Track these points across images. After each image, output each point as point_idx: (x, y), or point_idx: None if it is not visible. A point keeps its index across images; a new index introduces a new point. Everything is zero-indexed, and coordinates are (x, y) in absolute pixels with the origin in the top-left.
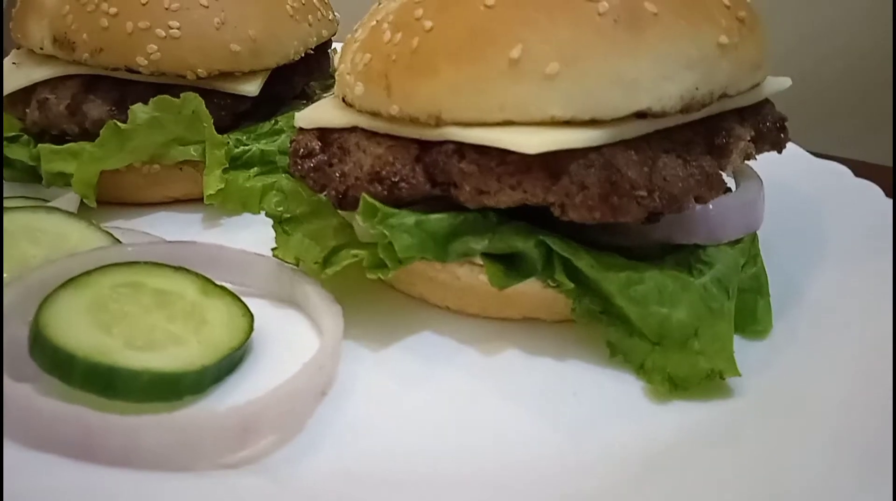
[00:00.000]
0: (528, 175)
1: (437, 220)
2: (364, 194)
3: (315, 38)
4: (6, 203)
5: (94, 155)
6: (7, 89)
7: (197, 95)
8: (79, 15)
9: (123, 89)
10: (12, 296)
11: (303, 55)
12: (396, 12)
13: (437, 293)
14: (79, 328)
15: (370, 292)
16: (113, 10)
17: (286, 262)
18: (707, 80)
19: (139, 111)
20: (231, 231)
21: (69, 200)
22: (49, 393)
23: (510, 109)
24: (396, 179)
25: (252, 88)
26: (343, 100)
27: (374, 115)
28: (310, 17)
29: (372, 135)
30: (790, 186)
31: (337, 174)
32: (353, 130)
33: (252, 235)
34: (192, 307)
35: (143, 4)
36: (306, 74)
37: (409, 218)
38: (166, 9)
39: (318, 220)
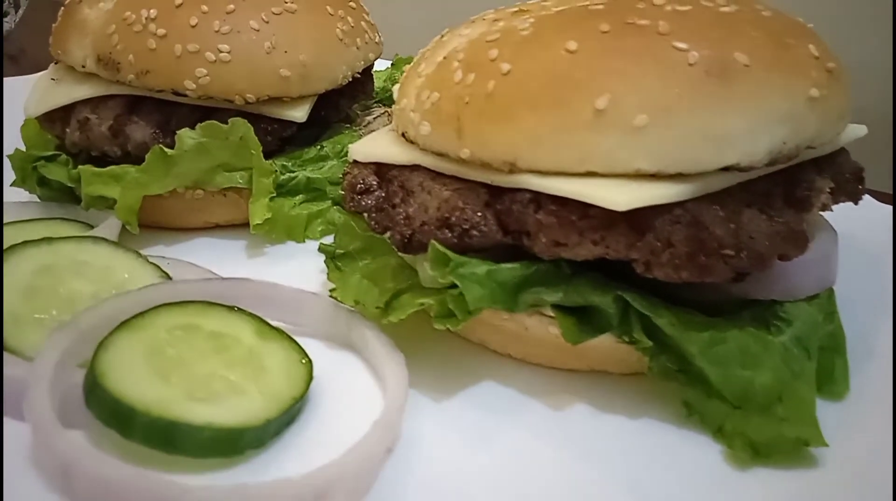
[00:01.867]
0: (612, 230)
1: (509, 270)
2: (434, 242)
3: (362, 62)
4: (43, 225)
5: (139, 181)
6: (46, 107)
7: (245, 121)
8: (125, 35)
9: (167, 111)
10: (65, 340)
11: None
12: (467, 50)
13: (499, 341)
14: (138, 377)
15: (428, 336)
16: (161, 31)
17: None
18: (796, 134)
19: (186, 137)
20: (276, 261)
21: (110, 226)
22: (101, 443)
23: (593, 161)
24: (467, 227)
25: (300, 113)
26: (403, 135)
27: (440, 155)
28: (358, 40)
29: (437, 175)
30: (859, 235)
31: (401, 216)
32: (416, 168)
33: (298, 265)
34: (249, 353)
35: (193, 26)
36: (351, 97)
37: (480, 268)
38: (216, 31)
39: (373, 257)
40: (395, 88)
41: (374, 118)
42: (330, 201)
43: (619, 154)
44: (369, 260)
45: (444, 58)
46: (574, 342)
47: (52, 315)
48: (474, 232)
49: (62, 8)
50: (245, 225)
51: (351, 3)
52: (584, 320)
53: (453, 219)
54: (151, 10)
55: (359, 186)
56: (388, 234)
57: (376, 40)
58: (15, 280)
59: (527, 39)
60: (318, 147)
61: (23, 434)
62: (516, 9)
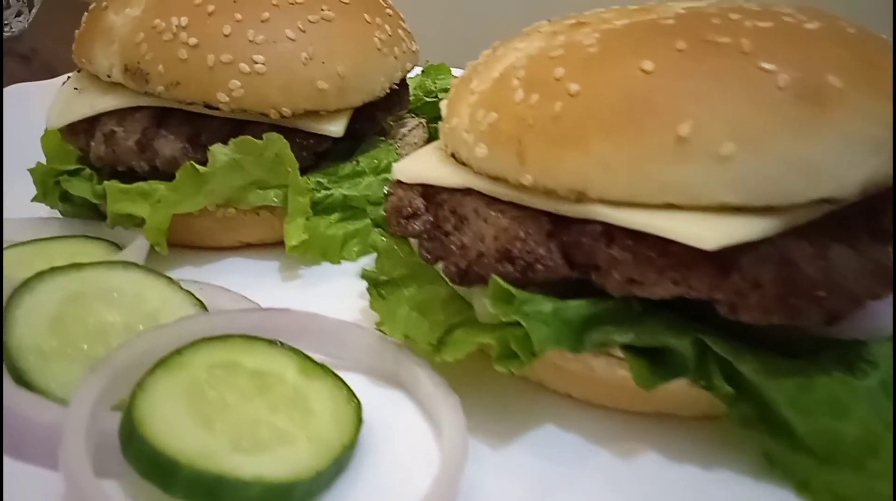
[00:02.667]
0: (695, 269)
1: (576, 307)
2: (495, 277)
3: (400, 73)
4: (66, 244)
5: (169, 199)
6: (69, 118)
7: (281, 136)
8: (154, 44)
9: (197, 124)
10: (100, 382)
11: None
12: (528, 67)
13: (560, 381)
14: (179, 425)
15: (480, 371)
16: (193, 40)
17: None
18: (888, 162)
19: (219, 153)
20: (311, 284)
21: (138, 247)
22: (139, 496)
23: (673, 192)
24: (531, 260)
25: (337, 128)
26: (452, 155)
27: (497, 179)
28: (396, 49)
29: (492, 201)
30: None
31: (456, 246)
32: (468, 192)
33: (335, 288)
34: (293, 393)
35: (226, 35)
36: (387, 109)
37: (546, 305)
38: (250, 41)
39: (419, 286)
40: (443, 104)
41: (410, 130)
42: (368, 221)
43: (703, 185)
44: (415, 288)
45: (501, 74)
46: (647, 387)
47: (81, 350)
48: (539, 266)
49: (86, 13)
50: (278, 244)
51: (388, 10)
52: (656, 362)
53: (515, 251)
54: (182, 18)
55: (405, 209)
56: (440, 264)
57: (413, 49)
58: (41, 312)
59: (595, 57)
60: (354, 162)
61: (56, 485)
62: (574, 21)
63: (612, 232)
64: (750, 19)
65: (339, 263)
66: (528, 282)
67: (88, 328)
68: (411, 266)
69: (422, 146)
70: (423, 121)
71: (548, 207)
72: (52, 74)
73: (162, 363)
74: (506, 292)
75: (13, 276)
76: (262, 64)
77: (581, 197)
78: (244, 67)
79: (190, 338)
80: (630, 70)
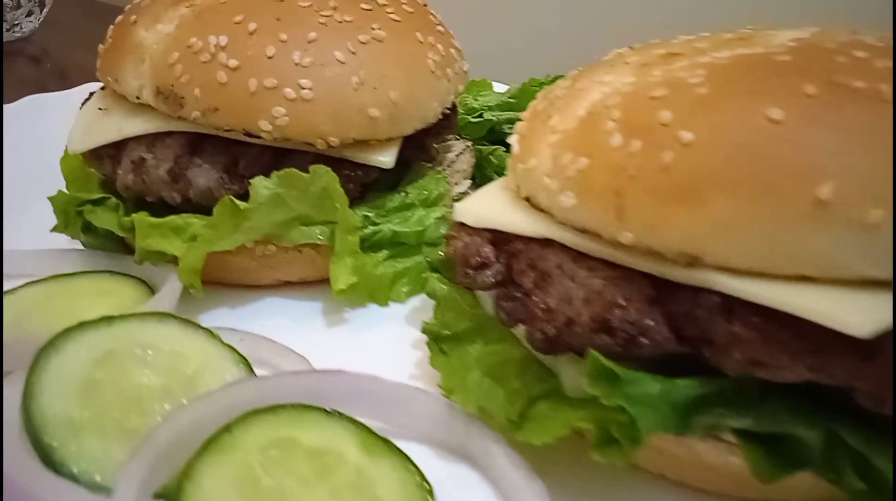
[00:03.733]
0: (837, 355)
1: (686, 388)
2: (595, 354)
3: (452, 96)
4: (88, 281)
5: (205, 238)
6: (93, 142)
7: (329, 169)
8: (191, 65)
9: (235, 152)
10: (142, 469)
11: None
12: (625, 108)
13: (657, 463)
14: None
15: (562, 446)
16: (233, 62)
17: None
18: None
19: (261, 187)
20: (359, 329)
21: (171, 290)
22: None
23: (808, 263)
24: (635, 332)
25: (387, 158)
26: (527, 199)
27: (585, 232)
28: (448, 70)
29: (579, 256)
30: None
31: (539, 309)
32: (548, 243)
33: (385, 335)
34: (357, 476)
35: (269, 57)
36: (437, 134)
37: (653, 386)
38: (297, 64)
39: (486, 342)
40: (514, 140)
41: (458, 155)
42: (419, 259)
43: (844, 257)
44: (481, 345)
45: (589, 113)
46: (766, 480)
47: (115, 420)
48: (643, 340)
49: (111, 27)
50: (319, 282)
51: (439, 27)
52: (775, 451)
53: (614, 321)
54: (221, 37)
55: (473, 258)
56: (521, 327)
57: (464, 69)
58: (71, 377)
59: (707, 100)
60: (403, 194)
61: None
62: (663, 51)
63: (733, 305)
64: (880, 58)
65: (387, 305)
66: (628, 357)
67: (123, 394)
68: (476, 319)
69: (469, 171)
70: (470, 144)
71: (650, 269)
72: (63, 76)
73: (210, 443)
74: (608, 371)
75: (37, 332)
76: (310, 89)
77: (694, 262)
78: (289, 92)
79: (238, 409)
80: (754, 118)
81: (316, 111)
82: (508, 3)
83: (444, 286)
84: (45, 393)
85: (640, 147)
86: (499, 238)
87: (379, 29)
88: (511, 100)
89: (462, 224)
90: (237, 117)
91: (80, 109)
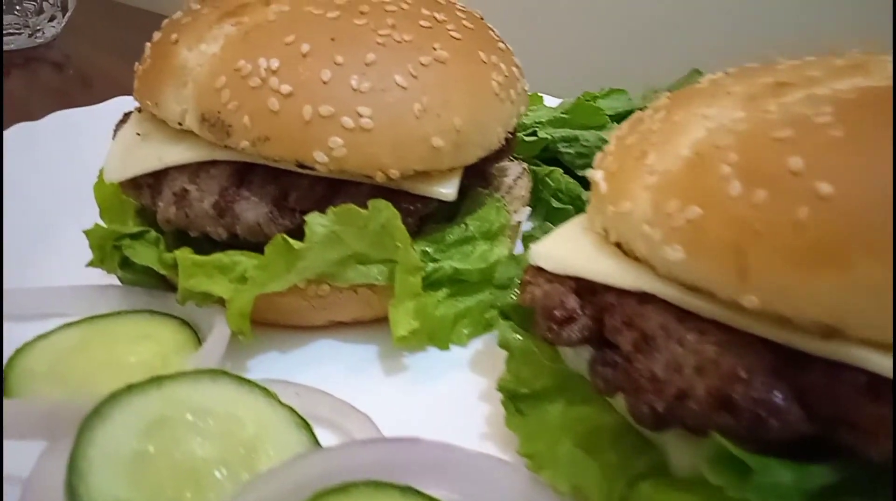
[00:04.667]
0: None
1: (821, 475)
2: (718, 438)
3: (515, 119)
4: (130, 322)
5: (255, 280)
6: (131, 171)
7: (389, 205)
8: (239, 91)
9: (285, 183)
10: None
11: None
12: (742, 149)
13: None
14: None
15: None
16: (285, 87)
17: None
18: None
19: (316, 225)
20: (420, 377)
21: (219, 337)
22: None
23: None
24: (762, 413)
25: (449, 190)
26: (617, 244)
27: (695, 289)
28: (511, 92)
29: (685, 315)
30: None
31: (643, 377)
32: (647, 298)
33: (450, 384)
34: None
35: (325, 83)
36: (497, 159)
37: (784, 474)
38: (354, 90)
39: (569, 402)
40: (597, 176)
41: (515, 180)
42: (482, 297)
43: None
44: (563, 405)
45: (697, 154)
46: None
47: (169, 499)
48: (773, 421)
49: (149, 45)
50: (374, 322)
51: (500, 44)
52: None
53: (736, 397)
54: (272, 60)
55: (557, 311)
56: (621, 397)
57: (525, 88)
58: (120, 449)
59: (844, 144)
60: (462, 226)
61: None
62: (771, 79)
63: (882, 386)
64: None
65: (447, 349)
66: (751, 438)
67: (177, 468)
68: (557, 375)
69: (528, 197)
70: (526, 166)
71: (777, 337)
72: (86, 82)
73: None
74: (738, 462)
75: (78, 394)
76: (369, 118)
77: (832, 333)
78: (347, 121)
79: (306, 487)
80: None
81: (376, 142)
82: (557, 12)
83: (517, 336)
84: (94, 472)
85: (767, 199)
86: (584, 287)
87: (440, 49)
88: (564, 115)
89: (540, 269)
90: (290, 148)
91: (114, 131)
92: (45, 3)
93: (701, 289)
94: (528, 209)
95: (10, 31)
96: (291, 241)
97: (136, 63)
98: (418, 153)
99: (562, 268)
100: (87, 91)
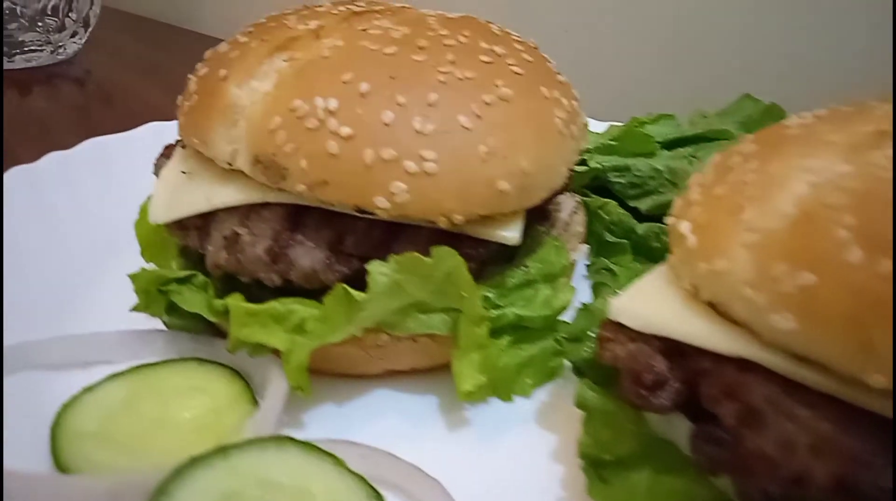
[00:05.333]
0: None
1: None
2: None
3: (577, 156)
4: (179, 372)
5: (315, 332)
6: (177, 212)
7: (454, 252)
8: (296, 132)
9: (340, 227)
10: None
11: None
12: (859, 212)
13: None
14: None
15: None
16: (345, 130)
17: None
18: None
19: (378, 274)
20: (486, 433)
21: (277, 396)
22: None
23: None
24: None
25: (513, 233)
26: (710, 302)
27: (805, 359)
28: (573, 127)
29: (792, 386)
30: None
31: (757, 461)
32: (747, 365)
33: (516, 441)
34: None
35: (387, 125)
36: (555, 197)
37: None
38: (418, 132)
39: (656, 470)
40: (682, 226)
41: (570, 215)
42: (546, 344)
43: None
44: (651, 473)
45: (805, 213)
46: None
47: None
48: None
49: (193, 78)
50: (432, 369)
51: (560, 77)
52: None
53: (863, 486)
54: (330, 100)
55: (645, 376)
56: (726, 478)
57: (585, 121)
58: None
59: None
60: (522, 268)
61: None
62: (872, 127)
63: None
64: None
65: (511, 400)
66: None
67: None
68: (642, 440)
69: (583, 233)
70: (579, 199)
71: None
72: (107, 98)
73: None
74: None
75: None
76: (433, 162)
77: None
78: (410, 165)
79: None
80: None
81: (440, 186)
82: (600, 34)
83: (594, 394)
84: None
85: (891, 270)
86: (672, 349)
87: (503, 86)
88: (612, 142)
89: (620, 325)
90: (349, 193)
91: (155, 166)
92: (66, 20)
93: (813, 361)
94: (585, 247)
95: (33, 48)
96: (353, 292)
97: (179, 97)
98: (483, 197)
99: (647, 326)
100: (108, 108)
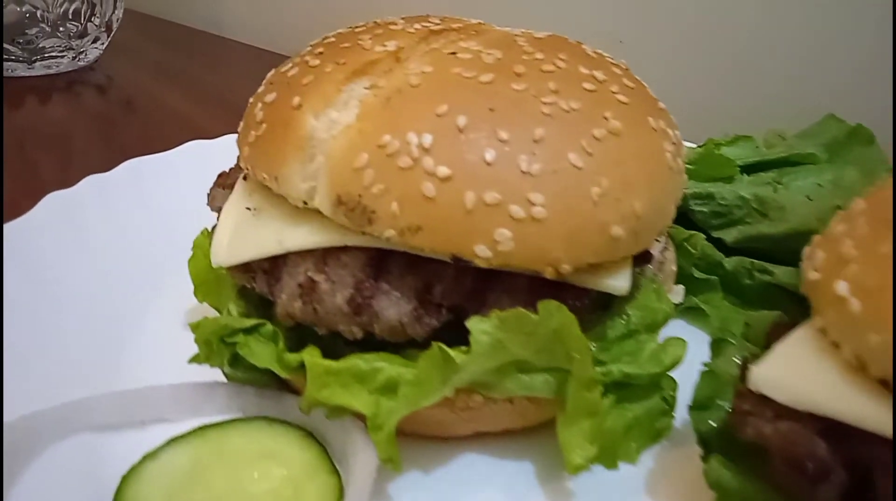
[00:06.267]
0: None
1: None
2: None
3: (682, 191)
4: (246, 434)
5: (407, 397)
6: (244, 255)
7: (563, 307)
8: (386, 171)
9: (426, 273)
10: None
11: None
12: None
13: None
14: None
15: None
16: (443, 170)
17: None
18: None
19: (480, 333)
20: None
21: (366, 470)
22: None
23: None
24: None
25: (622, 283)
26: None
27: None
28: (680, 160)
29: None
30: None
31: None
32: None
33: None
34: None
35: (489, 164)
36: None
37: None
38: (524, 172)
39: None
40: (840, 287)
41: (662, 253)
42: (652, 403)
43: None
44: None
45: None
46: None
47: None
48: None
49: (259, 105)
50: (527, 430)
51: (661, 105)
52: None
53: None
54: (424, 136)
55: (809, 464)
56: None
57: (685, 151)
58: None
59: None
60: (623, 317)
61: None
62: None
63: None
64: None
65: (616, 468)
66: None
67: None
68: None
69: (675, 272)
70: (665, 234)
71: None
72: (129, 105)
73: None
74: None
75: None
76: (542, 206)
77: None
78: (517, 210)
79: None
80: None
81: (548, 233)
82: (658, 46)
83: (731, 475)
84: None
85: None
86: (833, 430)
87: (612, 118)
88: (690, 166)
89: (763, 397)
90: (446, 240)
91: (209, 196)
92: (89, 24)
93: None
94: (681, 289)
95: (53, 54)
96: (451, 352)
97: (241, 124)
98: (595, 244)
99: (799, 401)
100: (131, 115)
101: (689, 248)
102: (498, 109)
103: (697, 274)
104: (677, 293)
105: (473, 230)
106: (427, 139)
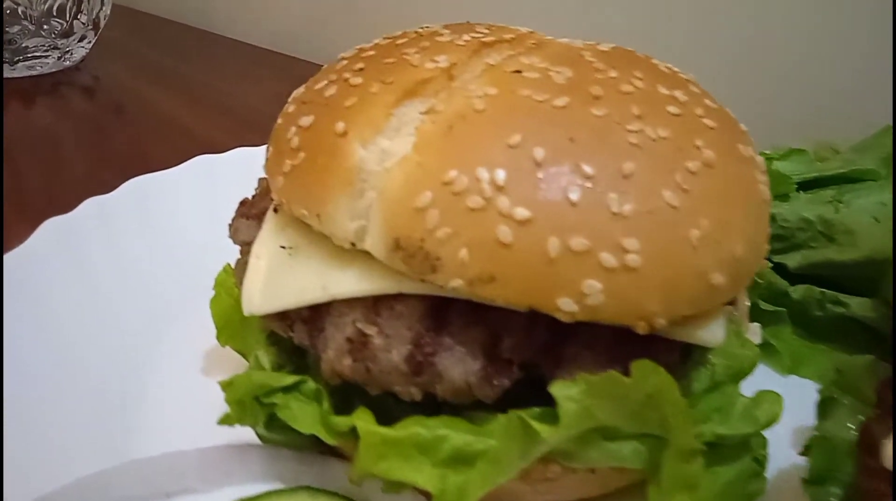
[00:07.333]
0: None
1: None
2: None
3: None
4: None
5: (484, 474)
6: (281, 302)
7: (660, 368)
8: (453, 213)
9: (491, 324)
10: None
11: None
12: None
13: None
14: None
15: None
16: (521, 212)
17: None
18: None
19: (567, 401)
20: None
21: None
22: None
23: None
24: None
25: (717, 333)
26: None
27: None
28: (769, 191)
29: None
30: None
31: None
32: None
33: None
34: None
35: (574, 204)
36: None
37: None
38: (615, 214)
39: None
40: None
41: None
42: (744, 466)
43: None
44: None
45: None
46: None
47: None
48: None
49: (293, 129)
50: (603, 498)
51: (742, 127)
52: None
53: None
54: (497, 171)
55: None
56: None
57: None
58: None
59: None
60: (709, 367)
61: None
62: None
63: None
64: None
65: None
66: None
67: None
68: None
69: (748, 304)
70: None
71: None
72: (119, 109)
73: None
74: None
75: None
76: (636, 253)
77: None
78: (608, 258)
79: None
80: None
81: (642, 284)
82: (694, 51)
83: None
84: None
85: None
86: None
87: (704, 147)
88: None
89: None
90: (524, 292)
91: (231, 228)
92: (75, 22)
93: None
94: (757, 327)
95: (37, 54)
96: (533, 423)
97: (270, 149)
98: (692, 294)
99: None
100: (120, 119)
101: (757, 279)
102: (579, 139)
103: (764, 305)
104: (754, 333)
105: (557, 282)
106: (500, 175)
